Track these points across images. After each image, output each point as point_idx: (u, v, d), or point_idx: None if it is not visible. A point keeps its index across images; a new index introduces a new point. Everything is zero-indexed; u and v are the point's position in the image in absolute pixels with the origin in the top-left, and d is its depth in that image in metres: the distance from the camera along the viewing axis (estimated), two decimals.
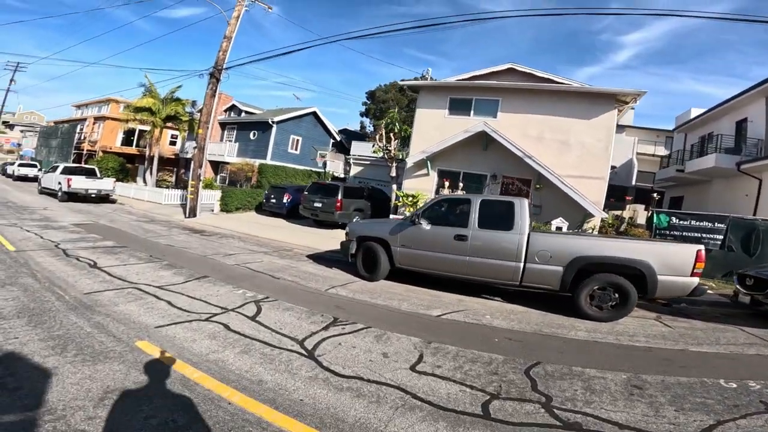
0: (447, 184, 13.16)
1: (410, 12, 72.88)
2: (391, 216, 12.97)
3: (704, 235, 10.33)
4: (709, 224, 10.40)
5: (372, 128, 34.05)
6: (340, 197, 13.62)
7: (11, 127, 64.65)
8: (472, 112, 13.46)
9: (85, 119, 36.33)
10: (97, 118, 35.10)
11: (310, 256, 9.60)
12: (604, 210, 11.61)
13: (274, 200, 16.44)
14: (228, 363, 3.58)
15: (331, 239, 12.25)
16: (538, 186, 11.76)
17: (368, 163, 21.09)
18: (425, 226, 6.77)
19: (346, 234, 7.86)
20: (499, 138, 12.08)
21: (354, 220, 14.31)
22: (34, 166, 29.99)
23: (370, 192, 15.68)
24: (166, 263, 7.41)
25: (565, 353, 4.49)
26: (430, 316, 5.60)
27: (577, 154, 12.31)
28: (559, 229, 10.10)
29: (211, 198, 20.83)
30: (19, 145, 50.41)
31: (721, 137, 15.10)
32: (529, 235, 6.17)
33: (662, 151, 24.73)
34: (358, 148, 21.73)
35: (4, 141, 56.58)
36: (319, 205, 13.86)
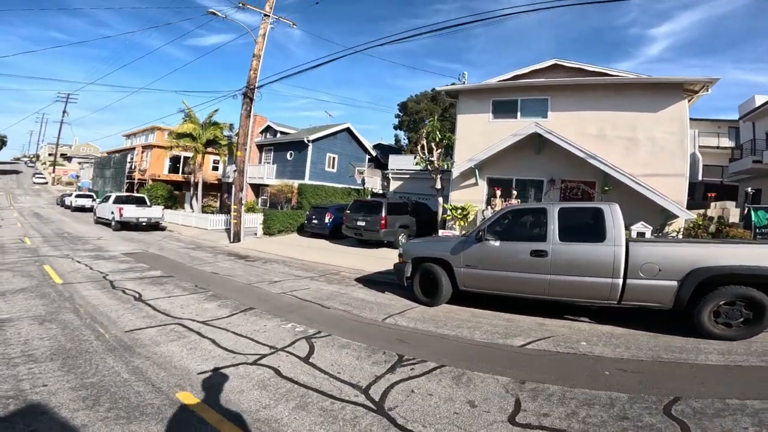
0: (498, 193, 12.18)
1: (428, 23, 72.93)
2: (440, 231, 12.15)
3: None
4: None
5: (407, 140, 33.49)
6: (384, 214, 12.99)
7: (69, 159, 70.05)
8: (518, 113, 12.50)
9: (134, 148, 38.52)
10: (144, 147, 37.08)
11: (358, 280, 8.94)
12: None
13: (315, 221, 16.11)
14: (283, 423, 2.91)
15: (378, 259, 11.57)
16: (606, 188, 10.53)
17: (407, 176, 20.43)
18: (493, 242, 5.91)
19: (400, 255, 7.12)
20: (554, 138, 11.01)
21: (400, 237, 13.61)
22: (90, 196, 31.76)
23: (414, 207, 14.95)
24: (211, 294, 7.00)
25: (706, 383, 3.58)
26: (511, 346, 4.71)
27: (648, 151, 10.98)
28: (641, 234, 8.83)
29: (253, 222, 20.95)
30: (77, 176, 53.51)
31: None
32: (627, 245, 5.17)
33: (726, 142, 22.83)
34: (395, 162, 21.16)
35: (62, 173, 60.69)
36: (363, 223, 13.30)
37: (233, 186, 15.60)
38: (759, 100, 17.07)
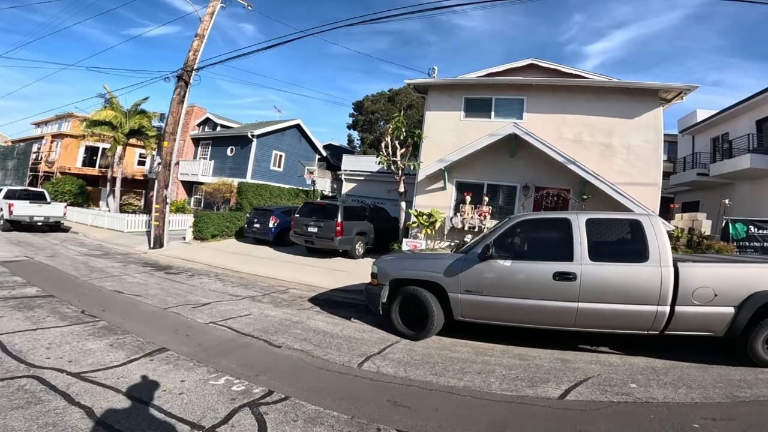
0: (468, 199, 11.12)
1: (386, 29, 72.84)
2: (404, 241, 10.78)
3: None
4: None
5: (360, 141, 32.00)
6: (339, 219, 11.35)
7: None
8: (492, 113, 11.62)
9: (42, 137, 33.02)
10: (54, 136, 31.87)
11: (314, 301, 7.24)
12: None
13: (257, 225, 13.97)
14: None
15: (334, 272, 9.90)
16: (585, 197, 9.86)
17: (362, 178, 18.97)
18: (503, 262, 4.59)
19: (373, 276, 5.55)
20: (534, 141, 10.19)
21: (357, 246, 12.03)
22: None
23: (372, 212, 13.47)
24: (102, 325, 4.92)
25: None
26: (549, 399, 3.44)
27: (623, 158, 10.55)
28: None
29: (182, 224, 18.14)
30: None
31: (758, 136, 13.92)
32: (676, 266, 4.11)
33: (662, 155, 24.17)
34: (349, 162, 19.62)
35: None
36: (315, 229, 11.54)
37: (156, 181, 13.03)
38: (701, 115, 17.97)
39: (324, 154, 27.98)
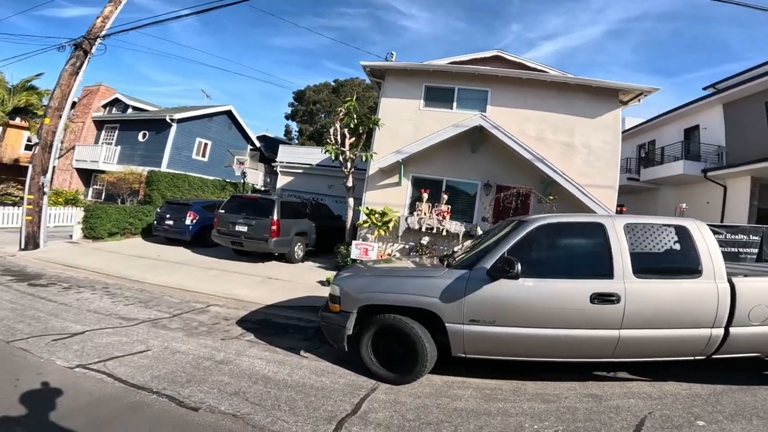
0: (426, 196, 10.04)
1: (331, 24, 70.64)
2: (353, 243, 9.37)
3: (741, 249, 8.97)
4: (745, 237, 9.05)
5: (298, 133, 29.63)
6: (276, 217, 9.60)
7: None
8: (454, 104, 10.69)
9: None
10: None
11: (246, 324, 5.55)
12: None
13: (170, 222, 11.56)
14: None
15: (271, 282, 8.19)
16: (551, 198, 9.27)
17: (300, 171, 17.15)
18: (525, 281, 3.42)
19: (333, 299, 4.06)
20: (502, 135, 9.40)
21: (296, 248, 10.35)
22: None
23: (313, 209, 11.85)
24: None
25: None
26: None
27: (584, 159, 10.22)
28: None
29: (70, 219, 14.86)
30: None
31: (685, 144, 14.83)
32: (731, 281, 3.26)
33: None
34: (286, 154, 17.66)
35: None
36: (244, 228, 9.64)
37: (31, 165, 10.09)
38: (629, 123, 18.94)
39: (258, 145, 25.43)
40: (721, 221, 12.17)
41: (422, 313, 3.61)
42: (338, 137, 10.53)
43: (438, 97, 10.82)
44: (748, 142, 12.68)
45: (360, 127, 10.58)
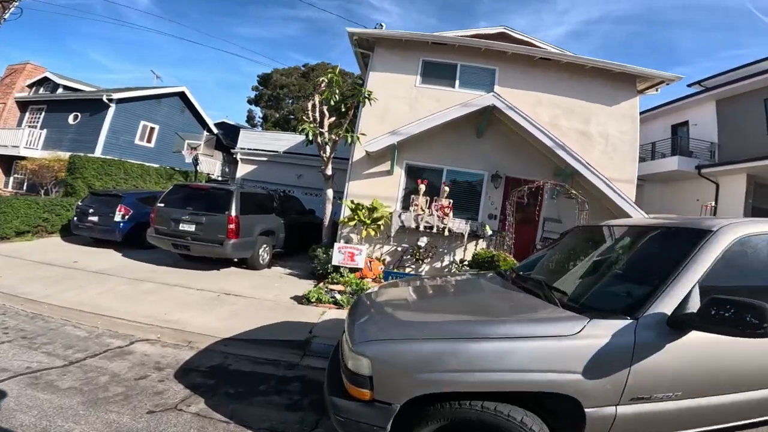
0: (423, 188, 8.19)
1: (299, 15, 66.74)
2: (336, 247, 7.38)
3: None
4: None
5: (262, 119, 26.54)
6: (234, 212, 7.36)
7: None
8: (457, 82, 8.90)
9: None
10: None
11: (190, 379, 3.38)
12: None
13: (95, 217, 8.88)
14: None
15: (228, 300, 5.99)
16: (573, 193, 7.71)
17: (264, 159, 14.74)
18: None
19: (359, 381, 2.00)
20: (519, 118, 7.74)
21: (261, 251, 8.16)
22: None
23: (282, 202, 9.65)
24: None
25: None
26: None
27: (601, 150, 8.82)
28: None
29: None
30: None
31: (679, 140, 14.12)
32: None
33: None
34: (248, 139, 15.18)
35: None
36: (192, 227, 7.31)
37: None
38: None
39: (215, 132, 22.45)
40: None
41: (535, 395, 1.75)
42: (316, 114, 8.41)
43: (438, 73, 8.97)
44: (743, 139, 12.00)
45: (343, 105, 8.53)
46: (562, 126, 8.72)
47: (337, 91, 8.30)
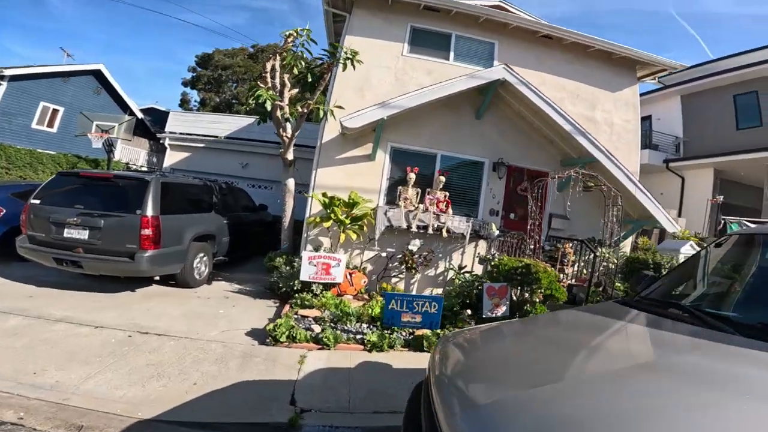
0: (413, 178, 6.39)
1: (249, 5, 60.52)
2: (304, 255, 5.37)
3: None
4: None
5: (200, 104, 22.61)
6: (151, 211, 4.97)
7: None
8: (451, 53, 7.23)
9: None
10: None
11: None
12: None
13: None
14: None
15: (146, 345, 3.63)
16: (590, 184, 6.40)
17: (201, 146, 12.01)
18: None
19: None
20: (534, 96, 6.33)
21: (196, 264, 5.86)
22: None
23: (225, 197, 7.29)
24: None
25: None
26: None
27: (606, 138, 7.68)
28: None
29: None
30: None
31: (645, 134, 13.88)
32: None
33: None
34: (179, 122, 12.31)
35: None
36: (84, 233, 4.80)
37: None
38: None
39: (140, 116, 18.65)
40: (679, 213, 11.25)
41: None
42: (276, 81, 6.25)
43: (429, 42, 7.23)
44: (711, 134, 11.80)
45: (309, 75, 6.47)
46: (568, 110, 7.36)
47: (304, 58, 6.23)
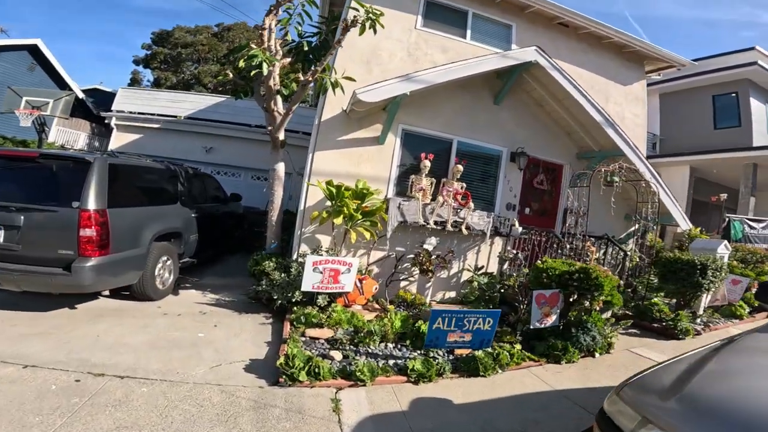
0: (428, 166, 5.43)
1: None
2: (308, 258, 4.26)
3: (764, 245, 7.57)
4: None
5: (153, 83, 19.64)
6: (93, 204, 3.61)
7: None
8: (468, 32, 6.33)
9: None
10: None
11: None
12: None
13: None
14: None
15: (107, 408, 2.31)
16: (613, 179, 5.80)
17: (156, 127, 10.21)
18: None
19: None
20: (566, 83, 5.72)
21: (159, 270, 4.55)
22: None
23: (191, 185, 5.89)
24: None
25: None
26: None
27: None
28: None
29: None
30: None
31: None
32: None
33: None
34: (131, 100, 10.42)
35: None
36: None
37: None
38: None
39: (81, 96, 15.94)
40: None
41: None
42: (271, 44, 4.99)
43: (444, 18, 6.29)
44: (687, 133, 11.88)
45: (305, 44, 5.31)
46: None
47: (302, 21, 5.04)
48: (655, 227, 6.57)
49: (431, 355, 3.60)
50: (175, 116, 10.09)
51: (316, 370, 2.88)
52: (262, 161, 10.53)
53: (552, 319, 4.09)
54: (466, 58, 5.60)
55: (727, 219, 7.50)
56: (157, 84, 18.76)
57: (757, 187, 9.42)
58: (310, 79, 4.76)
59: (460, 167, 5.60)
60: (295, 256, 5.20)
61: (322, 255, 4.64)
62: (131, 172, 4.56)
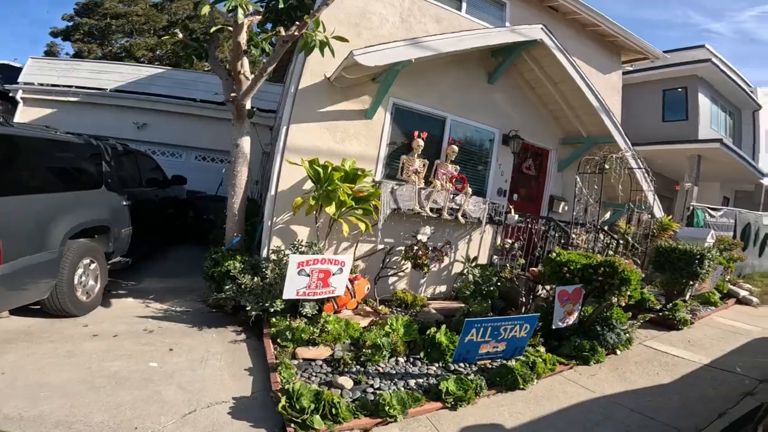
0: (421, 145, 4.72)
1: None
2: (291, 258, 3.40)
3: (723, 233, 7.99)
4: (727, 220, 8.09)
5: (72, 57, 16.23)
6: None
7: None
8: (463, 5, 5.63)
9: None
10: None
11: None
12: None
13: None
14: None
15: None
16: (605, 167, 5.52)
17: (74, 100, 8.32)
18: None
19: None
20: (569, 65, 5.40)
21: (79, 277, 3.41)
22: None
23: (120, 163, 4.65)
24: None
25: None
26: None
27: None
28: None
29: None
30: None
31: None
32: None
33: None
34: (43, 71, 8.36)
35: None
36: None
37: None
38: None
39: None
40: None
41: None
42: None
43: None
44: (637, 124, 12.30)
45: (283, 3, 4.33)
46: None
47: None
48: (651, 217, 6.54)
49: (452, 368, 2.96)
50: (98, 89, 8.29)
51: (333, 410, 2.05)
52: (208, 140, 9.12)
53: (574, 317, 3.64)
54: (461, 30, 4.98)
55: (691, 207, 7.75)
56: (78, 57, 15.66)
57: (701, 177, 9.98)
58: (297, 33, 3.79)
59: (455, 148, 4.98)
60: (265, 253, 4.24)
61: (306, 253, 3.75)
62: (30, 145, 3.30)
